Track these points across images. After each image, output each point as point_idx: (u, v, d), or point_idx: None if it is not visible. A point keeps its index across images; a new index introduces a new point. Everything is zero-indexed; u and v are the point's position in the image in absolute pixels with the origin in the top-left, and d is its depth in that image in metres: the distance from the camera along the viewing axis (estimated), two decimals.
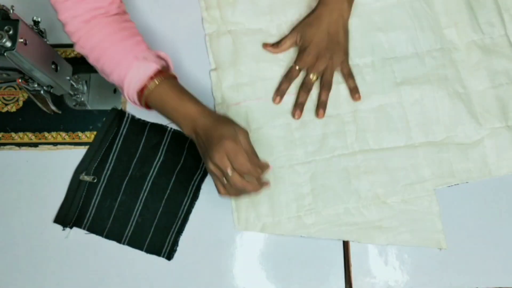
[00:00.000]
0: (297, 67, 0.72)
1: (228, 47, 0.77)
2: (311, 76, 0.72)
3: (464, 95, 0.73)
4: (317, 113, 0.72)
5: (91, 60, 0.62)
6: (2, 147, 0.74)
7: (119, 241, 0.69)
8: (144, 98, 0.61)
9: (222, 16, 0.78)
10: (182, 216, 0.70)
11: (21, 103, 0.76)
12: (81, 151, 0.74)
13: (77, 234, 0.70)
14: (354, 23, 0.77)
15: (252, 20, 0.78)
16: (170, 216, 0.70)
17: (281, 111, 0.74)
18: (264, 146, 0.72)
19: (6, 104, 0.76)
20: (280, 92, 0.73)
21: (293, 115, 0.72)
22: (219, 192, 0.61)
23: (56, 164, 0.73)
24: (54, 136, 0.74)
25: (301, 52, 0.73)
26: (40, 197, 0.72)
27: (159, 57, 0.63)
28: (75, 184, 0.71)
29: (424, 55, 0.75)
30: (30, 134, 0.74)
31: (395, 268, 0.68)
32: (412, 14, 0.77)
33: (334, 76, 0.74)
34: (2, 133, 0.75)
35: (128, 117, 0.74)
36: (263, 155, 0.71)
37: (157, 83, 0.60)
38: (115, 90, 0.76)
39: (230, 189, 0.59)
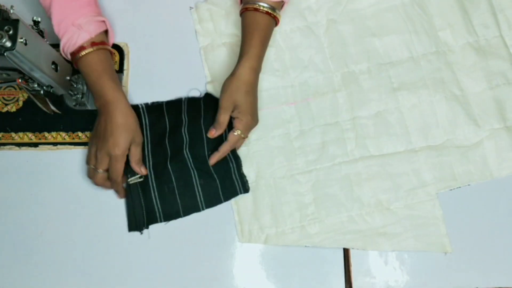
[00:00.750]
0: (239, 133, 0.68)
1: (223, 59, 0.77)
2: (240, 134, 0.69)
3: (462, 98, 0.73)
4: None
5: (43, 4, 0.69)
6: (2, 147, 0.74)
7: (198, 211, 0.70)
8: (75, 62, 0.68)
9: (215, 28, 0.78)
10: (230, 155, 0.71)
11: (21, 103, 0.76)
12: (81, 151, 0.74)
13: (77, 234, 0.70)
14: (348, 30, 0.77)
15: None
16: (223, 162, 0.71)
17: (280, 121, 0.74)
18: (264, 157, 0.72)
19: (6, 104, 0.76)
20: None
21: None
22: (89, 174, 0.70)
23: (56, 164, 0.73)
24: (54, 136, 0.74)
25: (239, 116, 0.68)
26: (40, 197, 0.72)
27: (99, 22, 0.68)
28: (128, 189, 0.71)
29: (420, 59, 0.75)
30: (30, 134, 0.75)
31: (395, 268, 0.68)
32: (406, 18, 0.77)
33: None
34: (2, 133, 0.75)
35: (143, 108, 0.73)
36: (263, 166, 0.72)
37: (83, 54, 0.66)
38: None
39: (93, 177, 0.69)
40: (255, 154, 0.72)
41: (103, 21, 0.70)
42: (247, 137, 0.71)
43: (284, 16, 0.77)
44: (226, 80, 0.69)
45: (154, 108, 0.74)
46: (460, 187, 0.70)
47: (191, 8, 0.80)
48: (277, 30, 0.77)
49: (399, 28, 0.76)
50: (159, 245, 0.70)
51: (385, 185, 0.70)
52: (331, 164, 0.72)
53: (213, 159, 0.70)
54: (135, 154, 0.69)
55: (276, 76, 0.76)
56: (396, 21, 0.77)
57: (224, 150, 0.69)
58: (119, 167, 0.67)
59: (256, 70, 0.70)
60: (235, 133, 0.69)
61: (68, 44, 0.67)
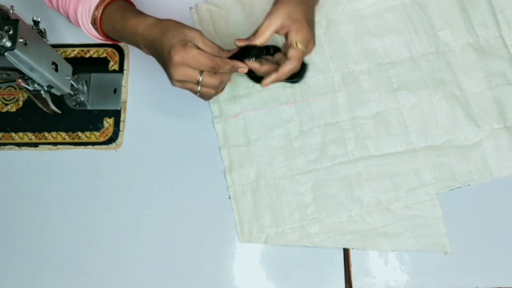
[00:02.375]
0: (300, 46, 0.58)
1: None
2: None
3: (462, 98, 0.73)
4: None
5: (55, 7, 0.67)
6: (2, 147, 0.74)
7: None
8: (99, 28, 0.63)
9: (215, 29, 0.78)
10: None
11: (21, 103, 0.76)
12: (81, 151, 0.74)
13: (78, 234, 0.71)
14: (348, 30, 0.77)
15: (246, 32, 0.78)
16: None
17: (280, 121, 0.74)
18: (264, 157, 0.72)
19: (6, 104, 0.76)
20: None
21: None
22: (202, 98, 0.61)
23: (56, 164, 0.73)
24: (54, 136, 0.75)
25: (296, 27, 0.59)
26: (40, 197, 0.72)
27: None
28: None
29: (420, 59, 0.75)
30: (30, 134, 0.75)
31: (395, 268, 0.68)
32: (406, 18, 0.77)
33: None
34: (2, 133, 0.75)
35: None
36: (263, 166, 0.72)
37: (99, 15, 0.62)
38: (115, 90, 0.76)
39: (206, 89, 0.58)
40: (255, 154, 0.73)
41: None
42: (307, 54, 0.60)
43: None
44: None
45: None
46: (460, 187, 0.70)
47: (191, 8, 0.80)
48: None
49: (399, 28, 0.76)
50: (159, 245, 0.70)
51: (385, 185, 0.70)
52: (331, 164, 0.72)
53: (267, 81, 0.59)
54: (205, 44, 0.57)
55: None
56: (396, 21, 0.77)
57: (284, 71, 0.58)
58: (198, 55, 0.55)
59: None
60: (296, 47, 0.57)
61: (84, 13, 0.63)
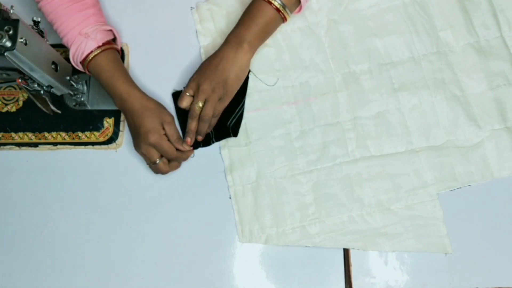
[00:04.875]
0: (186, 94, 0.69)
1: None
2: (198, 104, 0.68)
3: (462, 98, 0.73)
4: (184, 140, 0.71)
5: (48, 20, 0.69)
6: (2, 147, 0.74)
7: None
8: (86, 68, 0.69)
9: (216, 28, 0.78)
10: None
11: (21, 103, 0.76)
12: (81, 151, 0.74)
13: (78, 234, 0.70)
14: (349, 30, 0.77)
15: None
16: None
17: (280, 121, 0.74)
18: (265, 157, 0.72)
19: (6, 104, 0.76)
20: (188, 133, 0.70)
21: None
22: (153, 170, 0.71)
23: (56, 164, 0.73)
24: (54, 136, 0.74)
25: (190, 79, 0.70)
26: (40, 197, 0.72)
27: (106, 30, 0.70)
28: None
29: (421, 59, 0.75)
30: (30, 134, 0.74)
31: (395, 268, 0.68)
32: (407, 18, 0.77)
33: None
34: (2, 133, 0.75)
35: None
36: (264, 165, 0.72)
37: (91, 57, 0.67)
38: None
39: (157, 170, 0.70)
40: (256, 154, 0.73)
41: (110, 30, 0.70)
42: (199, 101, 0.68)
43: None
44: None
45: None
46: (460, 187, 0.70)
47: (192, 8, 0.80)
48: (277, 30, 0.77)
49: (400, 29, 0.76)
50: (159, 245, 0.70)
51: (386, 185, 0.70)
52: (332, 164, 0.72)
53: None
54: (172, 134, 0.69)
55: (276, 76, 0.75)
56: (397, 22, 0.77)
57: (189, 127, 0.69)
58: (167, 146, 0.68)
59: (231, 43, 0.69)
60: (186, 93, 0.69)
61: (77, 53, 0.68)
